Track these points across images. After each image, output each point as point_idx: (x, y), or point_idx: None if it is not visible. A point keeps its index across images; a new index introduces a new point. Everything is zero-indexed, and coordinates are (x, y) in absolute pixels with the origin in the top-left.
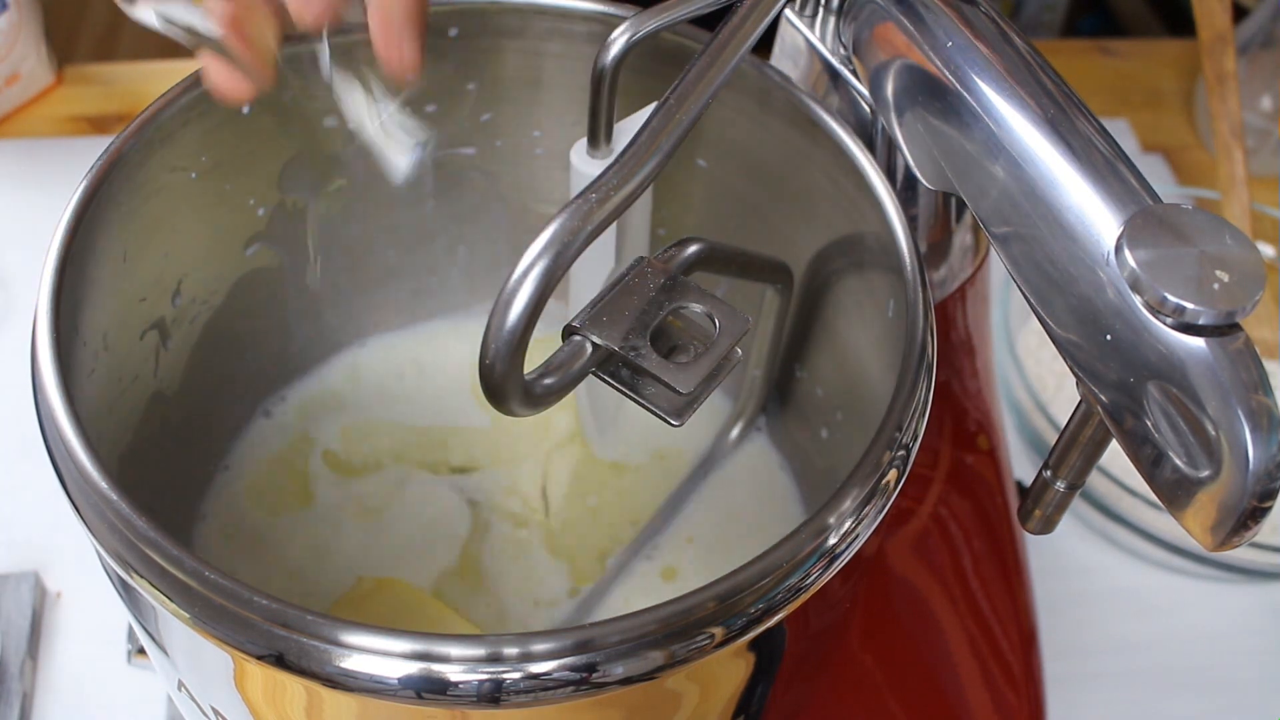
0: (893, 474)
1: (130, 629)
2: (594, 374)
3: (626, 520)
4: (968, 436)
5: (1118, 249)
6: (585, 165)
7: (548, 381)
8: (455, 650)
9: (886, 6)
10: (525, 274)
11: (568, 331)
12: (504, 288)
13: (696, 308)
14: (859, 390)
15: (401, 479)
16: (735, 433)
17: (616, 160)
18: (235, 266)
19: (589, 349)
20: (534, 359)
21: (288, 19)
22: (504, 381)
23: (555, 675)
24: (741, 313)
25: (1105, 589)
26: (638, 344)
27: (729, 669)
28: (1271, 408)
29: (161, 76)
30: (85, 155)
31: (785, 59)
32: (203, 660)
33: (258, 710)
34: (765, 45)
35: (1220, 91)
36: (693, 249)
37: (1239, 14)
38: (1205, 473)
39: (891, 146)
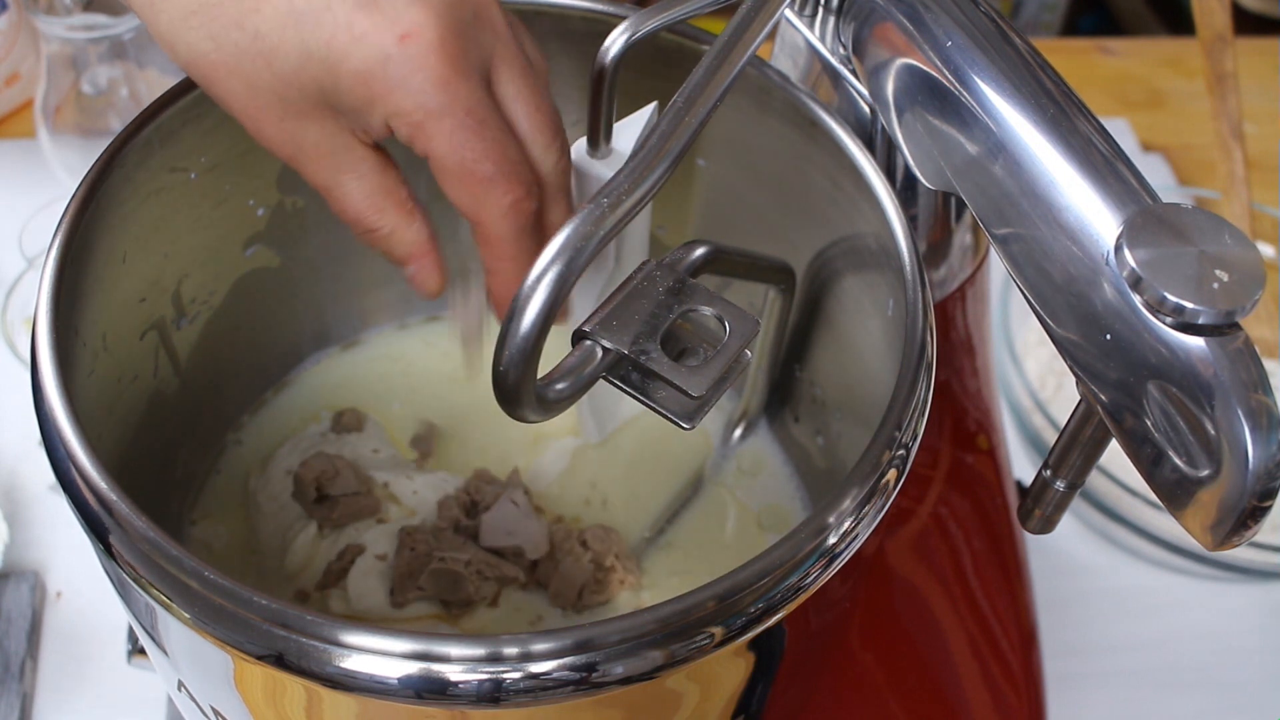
0: (892, 473)
1: (130, 629)
2: (605, 378)
3: (625, 519)
4: (968, 436)
5: (1117, 249)
6: (585, 165)
7: (559, 387)
8: (455, 650)
9: (886, 6)
10: (539, 280)
11: (578, 336)
12: (518, 294)
13: (706, 310)
14: (859, 390)
15: (399, 479)
16: (736, 432)
17: (627, 165)
18: (235, 267)
19: (599, 353)
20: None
21: None
22: (517, 388)
23: (555, 675)
24: (751, 315)
25: (1105, 589)
26: (648, 347)
27: (729, 668)
28: (1271, 407)
29: None
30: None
31: (785, 59)
32: (203, 660)
33: (258, 710)
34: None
35: (1220, 91)
36: (700, 251)
37: (1238, 14)
38: (1205, 472)
39: (891, 146)
